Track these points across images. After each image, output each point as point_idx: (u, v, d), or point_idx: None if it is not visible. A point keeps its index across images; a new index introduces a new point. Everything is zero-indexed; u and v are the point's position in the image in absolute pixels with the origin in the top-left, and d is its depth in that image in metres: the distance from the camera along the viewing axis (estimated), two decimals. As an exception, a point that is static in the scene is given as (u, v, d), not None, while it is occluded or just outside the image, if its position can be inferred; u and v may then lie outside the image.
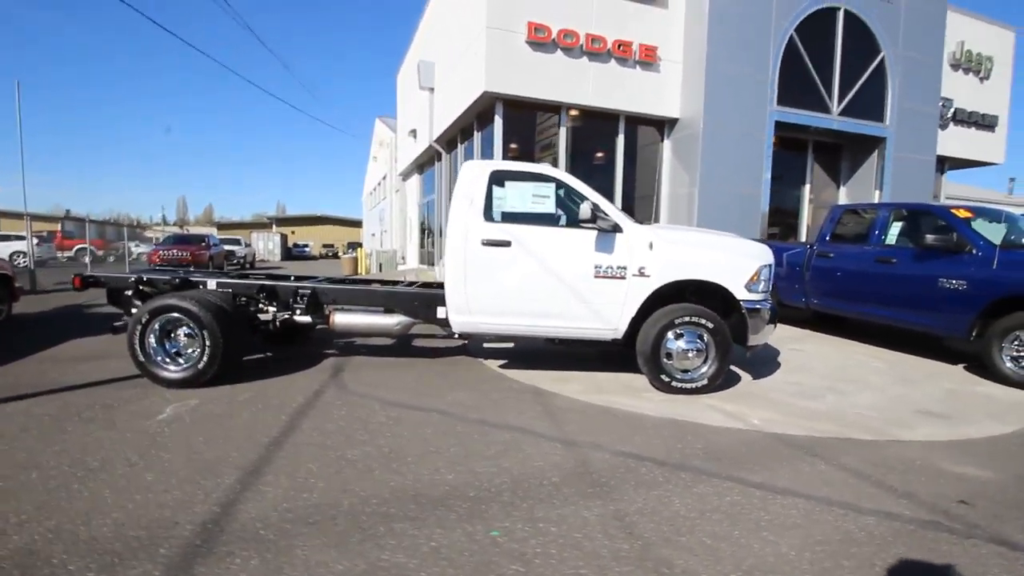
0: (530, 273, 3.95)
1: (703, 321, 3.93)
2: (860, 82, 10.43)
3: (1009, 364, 4.55)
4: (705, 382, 3.98)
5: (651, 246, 3.94)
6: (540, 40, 8.48)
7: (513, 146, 10.36)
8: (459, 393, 3.90)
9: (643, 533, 2.06)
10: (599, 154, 10.25)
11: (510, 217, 4.05)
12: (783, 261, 6.88)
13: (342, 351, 5.24)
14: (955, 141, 12.64)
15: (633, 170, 10.25)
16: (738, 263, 4.01)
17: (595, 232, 3.93)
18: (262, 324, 4.45)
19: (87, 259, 17.47)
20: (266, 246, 38.28)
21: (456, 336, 4.98)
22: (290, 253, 41.91)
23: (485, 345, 5.77)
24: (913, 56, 10.68)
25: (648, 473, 2.62)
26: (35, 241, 13.20)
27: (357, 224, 54.91)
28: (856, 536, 2.10)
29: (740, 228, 7.54)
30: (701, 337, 3.97)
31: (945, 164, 13.32)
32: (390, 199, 22.38)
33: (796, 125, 10.24)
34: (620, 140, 9.85)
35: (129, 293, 4.37)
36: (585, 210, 3.72)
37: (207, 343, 3.77)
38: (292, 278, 5.20)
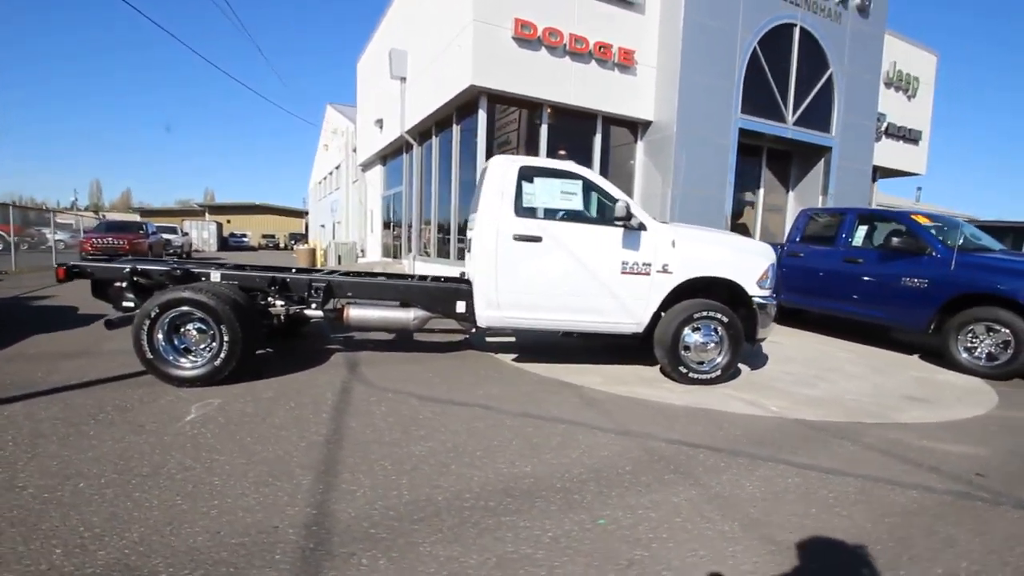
0: (561, 268, 4.01)
1: (718, 315, 4.16)
2: (812, 95, 11.26)
3: (964, 354, 5.15)
4: (719, 373, 4.22)
5: (673, 244, 4.12)
6: (526, 37, 8.51)
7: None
8: (489, 387, 3.90)
9: (735, 515, 2.20)
10: (561, 152, 10.37)
11: (540, 213, 4.08)
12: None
13: (345, 346, 5.07)
14: (887, 152, 13.95)
15: (608, 169, 10.53)
16: (750, 261, 4.27)
17: (622, 229, 4.06)
18: (270, 319, 4.23)
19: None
20: (200, 235, 35.79)
21: (473, 331, 4.98)
22: (226, 243, 39.43)
23: (488, 339, 5.80)
24: (856, 73, 11.67)
25: (708, 459, 2.77)
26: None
27: (299, 214, 52.46)
28: (910, 507, 2.34)
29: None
30: (716, 330, 4.20)
31: (877, 173, 14.67)
32: (345, 189, 21.58)
33: (754, 132, 10.89)
34: (597, 139, 10.08)
35: (123, 285, 4.01)
36: (621, 208, 3.83)
37: (225, 339, 3.55)
38: (274, 270, 4.94)
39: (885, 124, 13.44)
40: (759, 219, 12.65)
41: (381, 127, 14.36)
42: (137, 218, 35.17)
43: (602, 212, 4.11)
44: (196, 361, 3.59)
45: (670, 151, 9.76)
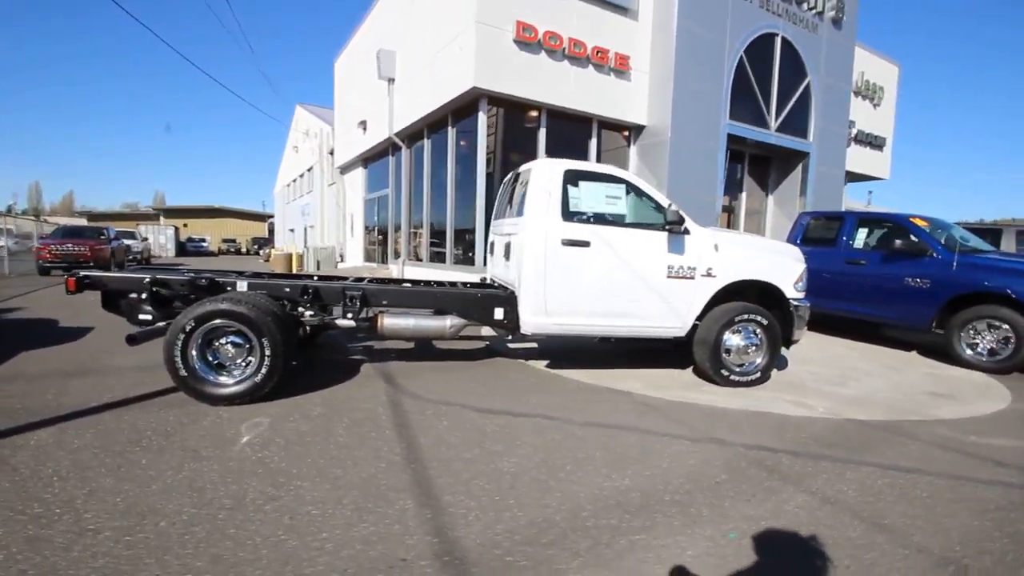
0: (610, 273, 3.96)
1: (759, 318, 4.20)
2: (792, 102, 11.70)
3: (968, 351, 5.42)
4: (758, 375, 4.27)
5: (716, 248, 4.14)
6: (527, 40, 8.46)
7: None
8: (538, 396, 3.81)
9: (856, 520, 2.19)
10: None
11: (588, 217, 4.02)
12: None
13: (367, 356, 4.85)
14: (855, 158, 14.66)
15: (602, 173, 10.59)
16: (787, 264, 4.35)
17: (666, 234, 4.05)
18: (303, 329, 4.00)
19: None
20: (157, 240, 33.94)
21: (509, 338, 4.85)
22: (184, 248, 37.56)
23: (510, 345, 5.69)
24: (830, 82, 12.21)
25: (794, 464, 2.77)
26: None
27: (260, 218, 50.54)
28: (1002, 503, 2.40)
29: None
30: (756, 333, 4.25)
31: (846, 177, 15.39)
32: (320, 193, 20.92)
33: (740, 138, 11.22)
34: (593, 143, 10.13)
35: (140, 297, 3.69)
36: (672, 213, 3.82)
37: (266, 353, 3.31)
38: (301, 278, 4.70)
39: (855, 131, 14.11)
40: (741, 222, 13.02)
41: (365, 129, 13.98)
42: (85, 222, 33.06)
43: (646, 216, 4.09)
44: (237, 377, 3.34)
45: (663, 155, 9.92)
